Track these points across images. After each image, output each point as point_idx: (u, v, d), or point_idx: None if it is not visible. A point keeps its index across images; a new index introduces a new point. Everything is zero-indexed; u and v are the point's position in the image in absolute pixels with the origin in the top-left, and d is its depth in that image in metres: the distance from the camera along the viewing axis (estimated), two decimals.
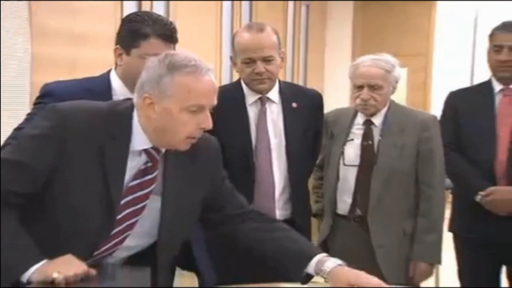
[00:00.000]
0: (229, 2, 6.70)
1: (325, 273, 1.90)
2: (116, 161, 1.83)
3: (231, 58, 2.65)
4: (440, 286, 3.72)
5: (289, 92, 2.68)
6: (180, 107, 1.79)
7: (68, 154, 1.77)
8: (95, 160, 1.80)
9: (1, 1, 3.95)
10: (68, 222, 1.80)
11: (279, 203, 2.60)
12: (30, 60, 4.33)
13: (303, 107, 2.67)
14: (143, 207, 1.89)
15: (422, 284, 2.80)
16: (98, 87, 2.31)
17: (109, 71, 2.39)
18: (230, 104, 2.51)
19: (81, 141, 1.78)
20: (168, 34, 2.30)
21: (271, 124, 2.61)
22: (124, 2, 5.14)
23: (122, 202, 1.85)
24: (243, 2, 6.92)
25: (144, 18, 2.31)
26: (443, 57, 8.17)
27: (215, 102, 1.86)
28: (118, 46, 2.33)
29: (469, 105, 3.13)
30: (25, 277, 1.70)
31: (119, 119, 1.85)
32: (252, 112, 2.62)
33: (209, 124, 1.85)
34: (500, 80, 3.08)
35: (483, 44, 3.20)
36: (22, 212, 1.80)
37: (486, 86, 3.15)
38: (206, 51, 6.21)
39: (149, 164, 1.88)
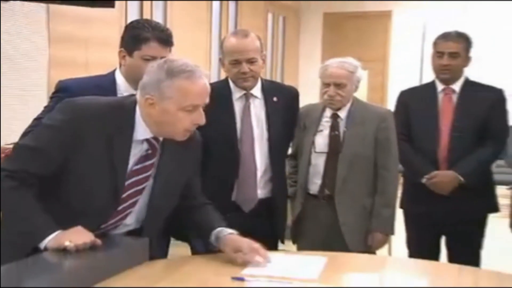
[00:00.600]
0: (218, 12, 6.69)
1: (220, 240, 1.95)
2: (122, 149, 1.84)
3: (220, 59, 2.65)
4: (392, 253, 3.76)
5: (270, 88, 2.67)
6: (177, 107, 1.80)
7: (81, 143, 1.77)
8: (104, 148, 1.80)
9: (21, 9, 3.93)
10: (79, 201, 1.81)
11: (260, 184, 2.59)
12: (48, 60, 4.32)
13: (282, 101, 2.66)
14: (144, 188, 1.91)
15: (378, 252, 2.81)
16: (105, 83, 2.31)
17: (114, 70, 2.39)
18: (218, 99, 2.45)
19: (92, 132, 1.78)
20: (165, 38, 2.30)
21: (254, 116, 2.59)
22: (128, 11, 5.14)
23: (126, 183, 1.86)
24: (230, 13, 6.91)
25: (145, 24, 2.30)
26: (397, 62, 8.21)
27: (207, 101, 1.87)
28: (122, 49, 2.33)
29: (416, 102, 3.16)
30: (42, 244, 1.72)
31: (124, 112, 1.86)
32: (237, 106, 2.60)
33: (202, 120, 1.86)
34: (442, 81, 3.11)
35: (429, 51, 3.21)
36: (38, 191, 1.79)
37: (430, 86, 3.18)
38: (197, 55, 6.17)
39: (149, 152, 1.89)
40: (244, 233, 2.02)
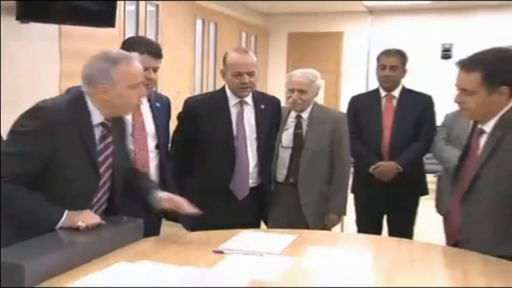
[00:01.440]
0: (200, 32, 6.66)
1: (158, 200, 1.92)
2: (88, 133, 1.79)
3: (221, 71, 2.54)
4: (345, 230, 3.78)
5: (259, 97, 2.59)
6: (126, 87, 1.79)
7: (58, 140, 1.70)
8: (76, 138, 1.74)
9: (35, 27, 3.86)
10: (67, 187, 1.75)
11: (252, 175, 2.52)
12: (59, 73, 4.24)
13: (269, 108, 2.60)
14: (111, 162, 1.86)
15: (333, 229, 2.83)
16: None
17: None
18: (217, 104, 2.49)
19: (63, 126, 1.71)
20: (155, 52, 2.31)
21: (246, 120, 2.51)
22: (126, 30, 5.07)
23: (99, 160, 1.81)
24: (210, 32, 6.88)
25: (136, 40, 2.31)
26: (347, 74, 8.23)
27: (143, 79, 1.88)
28: None
29: (364, 105, 3.19)
30: (57, 225, 1.71)
31: (80, 105, 1.78)
32: (233, 111, 2.50)
33: (143, 92, 1.92)
34: (384, 88, 3.15)
35: (374, 65, 3.26)
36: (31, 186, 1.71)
37: (375, 93, 3.21)
38: (183, 67, 6.15)
39: (105, 132, 1.84)
40: (236, 217, 2.18)
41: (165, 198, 1.93)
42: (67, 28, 4.21)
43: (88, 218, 1.74)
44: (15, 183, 1.68)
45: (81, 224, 1.71)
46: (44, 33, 4.07)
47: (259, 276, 1.54)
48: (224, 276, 1.55)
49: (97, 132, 1.82)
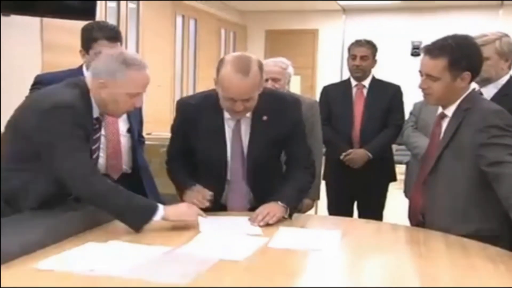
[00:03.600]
0: (181, 28, 6.57)
1: None
2: (90, 128, 1.76)
3: (214, 80, 1.90)
4: (319, 214, 3.77)
5: (262, 106, 1.96)
6: (125, 93, 1.73)
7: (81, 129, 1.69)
8: (84, 130, 1.70)
9: (16, 18, 3.76)
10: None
11: (250, 201, 2.04)
12: (41, 66, 4.12)
13: (274, 119, 1.98)
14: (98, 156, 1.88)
15: (307, 213, 2.76)
16: (75, 77, 2.10)
17: (81, 65, 2.29)
18: (210, 116, 1.99)
19: (80, 119, 1.68)
20: (112, 36, 2.19)
21: (242, 132, 1.99)
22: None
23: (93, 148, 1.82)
24: (190, 29, 6.80)
25: (93, 26, 2.20)
26: (322, 69, 8.26)
27: (144, 90, 1.79)
28: (81, 48, 2.23)
29: (336, 95, 3.18)
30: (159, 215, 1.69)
31: (85, 98, 1.73)
32: (228, 125, 1.99)
33: (140, 103, 1.81)
34: (355, 78, 3.14)
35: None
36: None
37: (346, 83, 3.21)
38: (164, 61, 6.07)
39: (97, 126, 1.83)
40: None
41: None
42: (49, 21, 4.12)
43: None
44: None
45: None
46: (25, 25, 3.96)
47: (226, 256, 1.50)
48: (193, 254, 1.51)
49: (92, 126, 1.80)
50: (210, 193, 1.94)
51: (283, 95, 2.18)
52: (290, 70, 2.76)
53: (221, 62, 1.86)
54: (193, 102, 2.04)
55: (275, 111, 1.98)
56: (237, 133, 1.98)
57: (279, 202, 1.91)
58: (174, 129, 2.10)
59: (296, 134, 2.03)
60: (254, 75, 1.82)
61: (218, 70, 1.86)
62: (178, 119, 2.06)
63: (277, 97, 2.05)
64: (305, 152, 2.07)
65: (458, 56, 1.81)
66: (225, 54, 7.82)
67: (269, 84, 2.65)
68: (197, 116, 1.98)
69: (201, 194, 1.93)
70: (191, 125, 2.00)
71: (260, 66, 1.87)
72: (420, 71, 1.89)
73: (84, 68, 2.27)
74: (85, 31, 2.23)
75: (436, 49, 1.84)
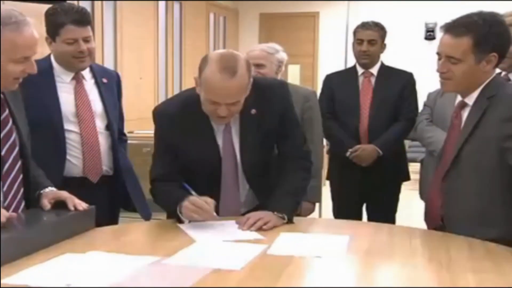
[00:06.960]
0: (164, 12, 6.56)
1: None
2: None
3: (195, 79, 1.88)
4: (323, 217, 3.76)
5: (253, 101, 1.94)
6: (7, 59, 1.57)
7: None
8: None
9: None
10: None
11: (245, 203, 2.08)
12: None
13: (265, 113, 1.97)
14: (14, 141, 1.72)
15: (310, 216, 2.76)
16: (43, 67, 2.11)
17: (50, 55, 2.26)
18: (195, 122, 1.93)
19: None
20: (80, 19, 2.15)
21: (233, 131, 1.96)
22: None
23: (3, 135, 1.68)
24: (174, 13, 6.78)
25: (58, 10, 2.16)
26: (324, 57, 8.26)
27: (37, 51, 1.64)
28: (46, 36, 2.19)
29: (340, 84, 3.16)
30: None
31: None
32: (216, 127, 1.96)
33: (33, 69, 1.64)
34: (361, 65, 3.13)
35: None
36: None
37: (352, 70, 3.19)
38: (146, 50, 6.05)
39: None
40: None
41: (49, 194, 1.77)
42: (8, 4, 4.07)
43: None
44: None
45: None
46: None
47: (222, 265, 1.50)
48: (183, 264, 1.51)
49: None
50: (214, 201, 1.86)
51: (267, 80, 2.17)
52: (281, 55, 2.73)
53: (204, 60, 1.82)
54: (172, 110, 1.95)
55: (263, 101, 1.95)
56: (227, 134, 1.95)
57: (275, 213, 1.91)
58: (156, 146, 2.01)
59: (287, 121, 2.02)
60: (241, 76, 1.78)
61: (201, 69, 1.81)
62: (158, 133, 1.99)
63: (261, 84, 1.99)
64: (298, 141, 2.07)
65: (485, 34, 1.77)
66: (215, 41, 7.98)
67: (253, 72, 2.62)
68: (180, 126, 1.92)
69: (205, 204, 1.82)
70: (174, 137, 1.94)
71: (248, 66, 1.85)
72: (438, 53, 1.85)
73: (52, 58, 2.25)
74: (49, 16, 2.19)
75: (460, 26, 1.79)
